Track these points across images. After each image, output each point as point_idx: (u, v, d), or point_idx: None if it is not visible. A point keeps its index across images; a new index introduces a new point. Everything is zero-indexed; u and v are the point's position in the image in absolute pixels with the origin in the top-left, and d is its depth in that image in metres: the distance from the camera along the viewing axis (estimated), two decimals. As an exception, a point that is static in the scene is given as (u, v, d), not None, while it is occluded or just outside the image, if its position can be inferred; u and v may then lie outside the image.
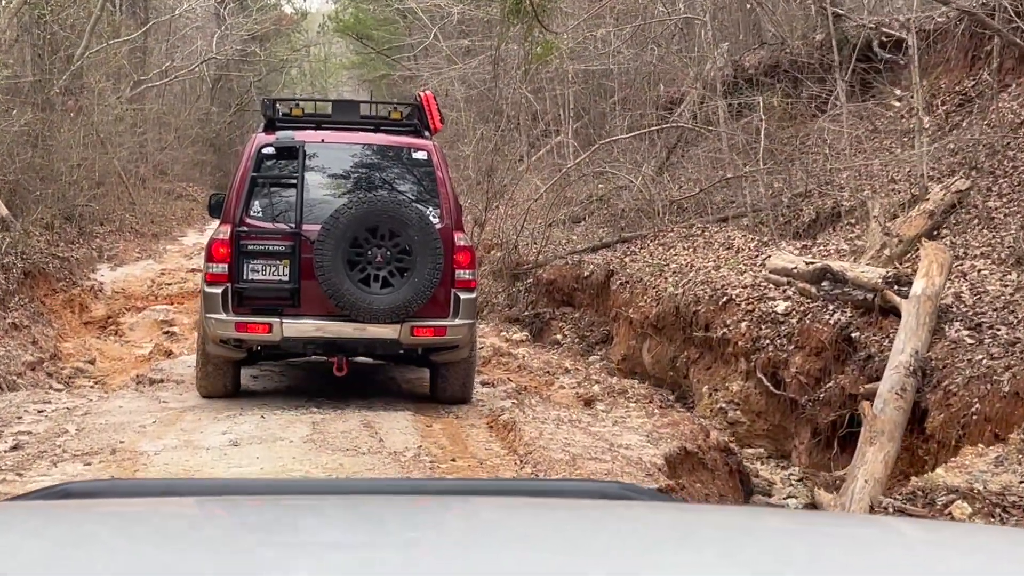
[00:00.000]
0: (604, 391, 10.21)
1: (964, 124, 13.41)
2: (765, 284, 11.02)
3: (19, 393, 10.21)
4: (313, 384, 10.72)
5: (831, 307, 9.76)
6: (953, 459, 6.92)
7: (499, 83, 18.39)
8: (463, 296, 9.10)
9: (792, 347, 9.90)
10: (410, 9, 28.67)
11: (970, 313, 8.66)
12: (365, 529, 1.79)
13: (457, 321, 9.05)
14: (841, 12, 14.99)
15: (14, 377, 11.66)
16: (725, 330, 10.77)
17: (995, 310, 8.64)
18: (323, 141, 9.46)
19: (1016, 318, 8.39)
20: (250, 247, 8.98)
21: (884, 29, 15.52)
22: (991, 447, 6.80)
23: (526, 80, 17.78)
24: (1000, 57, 13.80)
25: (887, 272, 9.27)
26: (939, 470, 6.46)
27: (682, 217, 15.89)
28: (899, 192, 12.62)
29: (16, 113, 20.34)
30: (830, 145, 15.05)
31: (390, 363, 11.14)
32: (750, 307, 10.64)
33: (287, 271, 8.95)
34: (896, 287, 9.02)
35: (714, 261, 12.74)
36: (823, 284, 10.00)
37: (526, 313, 15.92)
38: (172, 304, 17.38)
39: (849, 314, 9.53)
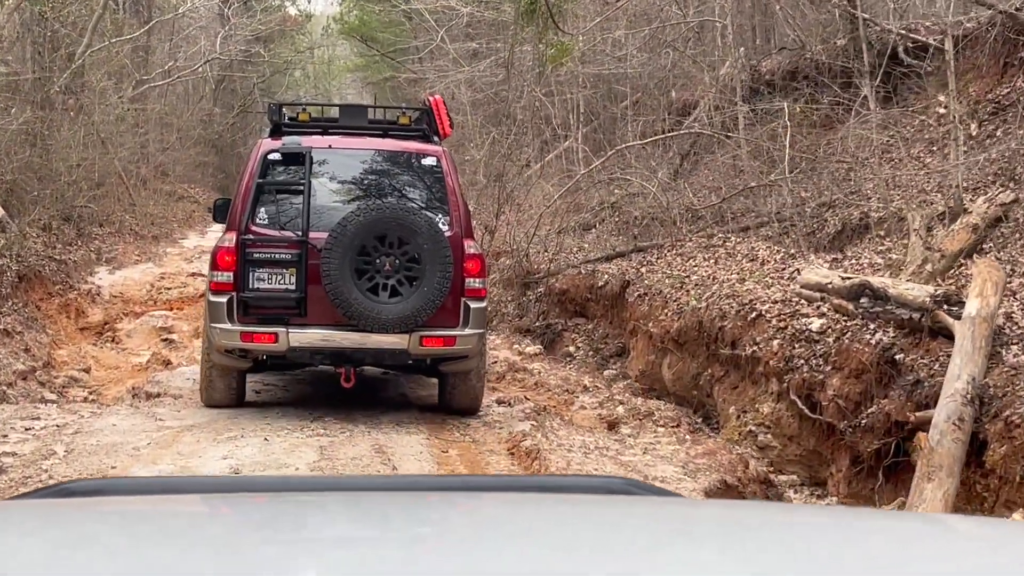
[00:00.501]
0: (629, 413, 9.53)
1: (999, 133, 12.72)
2: (797, 299, 10.32)
3: (7, 407, 9.51)
4: (319, 396, 10.07)
5: (871, 326, 9.07)
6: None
7: (512, 86, 17.65)
8: (473, 305, 8.88)
9: (829, 368, 9.20)
10: (416, 11, 27.99)
11: (1025, 335, 8.00)
12: (368, 526, 1.76)
13: (467, 331, 8.82)
14: (866, 16, 14.28)
15: (4, 387, 10.96)
16: (755, 348, 10.07)
17: (1051, 332, 7.97)
18: (330, 147, 9.21)
19: (1076, 342, 7.71)
20: (256, 255, 8.73)
21: (911, 35, 14.83)
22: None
23: (539, 83, 17.05)
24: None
25: (935, 290, 8.58)
26: (1016, 516, 5.76)
27: (698, 226, 15.20)
28: (931, 204, 11.94)
29: (15, 111, 19.70)
30: (854, 154, 14.35)
31: (398, 373, 10.74)
32: (782, 324, 9.94)
33: (294, 280, 8.70)
34: (946, 306, 8.33)
35: (738, 273, 12.05)
36: (861, 301, 9.31)
37: (537, 324, 15.22)
38: (171, 310, 16.67)
39: (892, 334, 8.83)
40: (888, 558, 1.58)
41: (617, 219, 17.35)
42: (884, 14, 15.91)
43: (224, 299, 8.65)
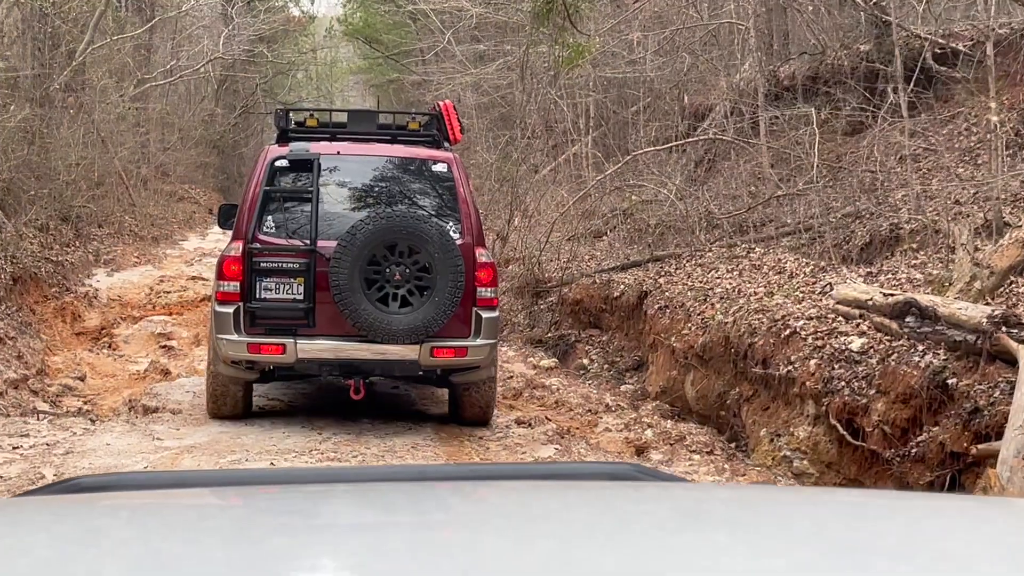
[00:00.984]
0: (659, 437, 8.84)
1: (1036, 143, 12.07)
2: (833, 316, 9.64)
3: (-5, 422, 8.83)
4: (327, 412, 9.41)
5: (920, 348, 8.38)
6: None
7: (525, 88, 16.95)
8: (485, 315, 8.66)
9: (873, 391, 8.51)
10: (422, 12, 27.30)
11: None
12: (377, 514, 1.75)
13: (479, 341, 8.61)
14: (893, 20, 13.61)
15: (-7, 398, 10.31)
16: (790, 368, 9.38)
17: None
18: (339, 153, 8.98)
19: None
20: (263, 264, 8.48)
21: (941, 40, 14.16)
22: None
23: (555, 86, 16.35)
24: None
25: (992, 311, 7.89)
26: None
27: (714, 235, 14.54)
28: (968, 216, 11.27)
29: (13, 108, 19.02)
30: (881, 163, 13.68)
31: (408, 385, 10.39)
32: (819, 342, 9.26)
33: (301, 290, 8.45)
34: (1005, 328, 7.65)
35: (764, 287, 11.37)
36: (907, 320, 8.64)
37: (549, 335, 14.53)
38: (171, 315, 15.96)
39: (943, 357, 8.14)
40: (898, 538, 1.57)
41: (629, 226, 16.69)
42: (910, 18, 15.24)
43: (231, 309, 8.37)
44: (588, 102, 19.64)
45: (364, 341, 8.38)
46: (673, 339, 11.51)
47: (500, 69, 22.80)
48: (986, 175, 11.49)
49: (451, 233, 8.59)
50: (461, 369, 8.77)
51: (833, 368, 8.97)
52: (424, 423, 9.20)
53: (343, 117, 9.88)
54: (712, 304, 11.40)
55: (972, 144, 13.27)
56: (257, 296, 8.44)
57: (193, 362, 12.49)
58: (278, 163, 8.81)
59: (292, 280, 8.47)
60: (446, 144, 9.47)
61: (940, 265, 10.59)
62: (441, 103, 10.00)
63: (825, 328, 9.49)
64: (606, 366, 13.28)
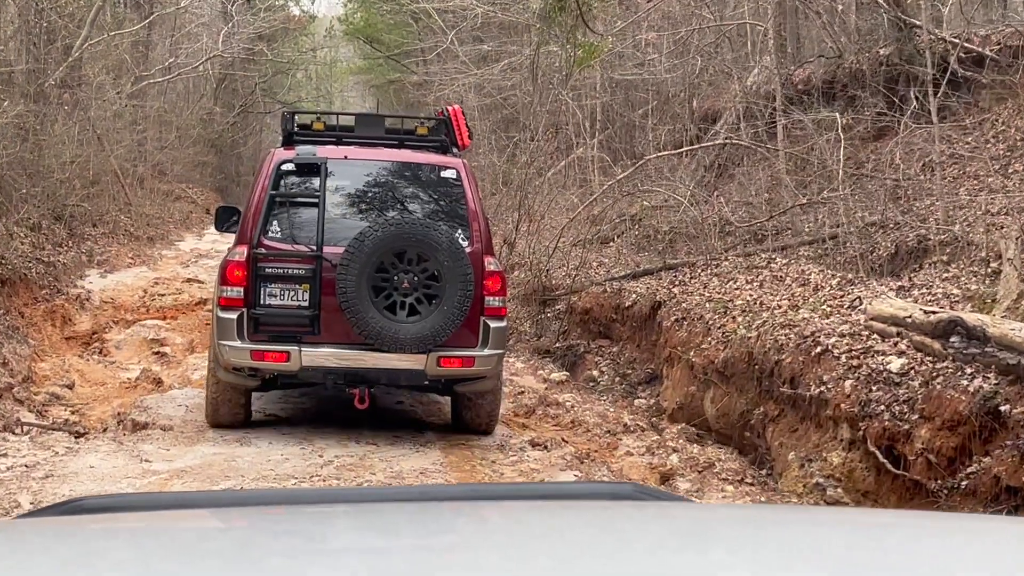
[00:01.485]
0: (685, 464, 8.15)
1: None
2: (867, 333, 8.96)
3: (-29, 439, 8.13)
4: (328, 430, 8.71)
5: (967, 370, 7.70)
6: None
7: (536, 89, 16.25)
8: (493, 324, 8.45)
9: (916, 417, 7.83)
10: (424, 11, 26.61)
11: None
12: (377, 536, 1.73)
13: (486, 351, 8.39)
14: (924, 25, 12.93)
15: (-25, 409, 9.62)
16: (822, 388, 8.70)
17: None
18: (346, 158, 8.74)
19: None
20: (268, 270, 8.27)
21: (967, 44, 13.49)
22: None
23: (566, 86, 15.65)
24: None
25: (1051, 333, 7.23)
26: None
27: (726, 242, 13.87)
28: (1002, 227, 10.60)
29: (7, 104, 18.31)
30: (903, 170, 12.99)
31: (412, 393, 10.11)
32: (853, 361, 8.58)
33: (307, 296, 8.24)
34: (1065, 353, 6.98)
35: (788, 299, 10.70)
36: (952, 340, 7.97)
37: (557, 345, 13.84)
38: (165, 319, 15.25)
39: (994, 381, 7.47)
40: (900, 556, 1.55)
41: (638, 232, 16.02)
42: (933, 21, 14.57)
43: (234, 315, 8.13)
44: (594, 104, 18.95)
45: (370, 350, 8.15)
46: (692, 353, 10.84)
47: (504, 70, 22.12)
48: (1021, 184, 10.83)
49: (460, 241, 8.37)
50: (467, 379, 8.53)
51: (871, 390, 8.29)
52: (431, 445, 8.52)
53: (350, 121, 9.57)
54: (733, 317, 10.72)
55: (1001, 152, 12.60)
56: (261, 302, 8.21)
57: (187, 371, 11.79)
58: (284, 167, 8.55)
59: (297, 286, 8.24)
60: (454, 149, 9.19)
61: (976, 279, 9.93)
62: (450, 108, 9.73)
63: (860, 346, 8.81)
64: (617, 379, 12.60)
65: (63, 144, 20.67)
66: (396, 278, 8.16)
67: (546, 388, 11.25)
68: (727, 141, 14.40)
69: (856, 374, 8.51)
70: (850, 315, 9.75)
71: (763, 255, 12.42)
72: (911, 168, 13.11)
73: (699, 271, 12.99)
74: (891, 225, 12.12)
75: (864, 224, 12.24)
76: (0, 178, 17.41)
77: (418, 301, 8.18)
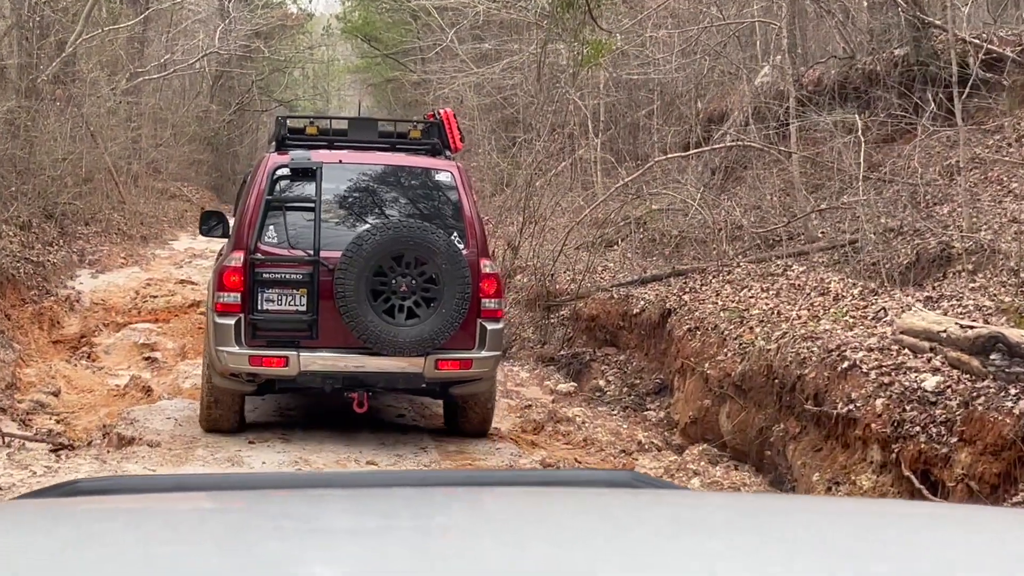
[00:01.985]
0: (708, 488, 7.56)
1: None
2: (897, 348, 8.37)
3: (-56, 456, 7.52)
4: (322, 446, 8.12)
5: (1011, 391, 7.12)
6: None
7: (542, 87, 15.63)
8: (490, 327, 8.46)
9: (955, 440, 7.24)
10: (424, 9, 25.98)
11: None
12: (374, 520, 1.70)
13: (483, 353, 8.40)
14: (950, 29, 12.34)
15: (-47, 419, 9.04)
16: (850, 406, 8.11)
17: None
18: (341, 162, 8.69)
19: None
20: (265, 275, 8.20)
21: (988, 45, 12.92)
22: None
23: (574, 84, 15.03)
24: None
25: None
26: None
27: (735, 247, 13.28)
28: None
29: (-2, 100, 17.78)
30: (922, 174, 12.42)
31: (409, 398, 10.09)
32: (884, 378, 7.99)
33: (304, 301, 8.18)
34: (1122, 375, 6.40)
35: (808, 309, 10.12)
36: (992, 358, 7.40)
37: (562, 352, 13.24)
38: (156, 322, 14.64)
39: (1041, 403, 6.88)
40: (899, 546, 1.54)
41: (643, 236, 15.43)
42: (953, 22, 14.00)
43: (232, 321, 8.08)
44: (598, 104, 18.34)
45: (368, 353, 8.13)
46: (707, 365, 10.24)
47: (505, 69, 21.52)
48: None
49: (457, 244, 8.39)
50: (463, 381, 8.54)
51: (904, 409, 7.69)
52: (435, 466, 7.92)
53: (342, 124, 9.54)
54: (750, 328, 10.13)
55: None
56: (259, 307, 8.14)
57: (177, 379, 11.19)
58: (280, 172, 8.48)
59: (295, 291, 8.19)
60: (447, 152, 9.17)
61: (1007, 290, 9.37)
62: (442, 111, 9.66)
63: (890, 362, 8.22)
64: (625, 389, 12.00)
65: (55, 141, 20.07)
66: (394, 281, 8.12)
67: (553, 401, 10.67)
68: (740, 143, 13.78)
69: (888, 392, 7.92)
70: (876, 327, 9.17)
71: (779, 261, 11.83)
72: (930, 172, 12.55)
73: (710, 277, 12.41)
74: (910, 231, 11.56)
75: (883, 230, 11.67)
76: (-11, 175, 16.82)
77: (416, 304, 8.16)
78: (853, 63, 15.32)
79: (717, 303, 11.30)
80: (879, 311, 9.51)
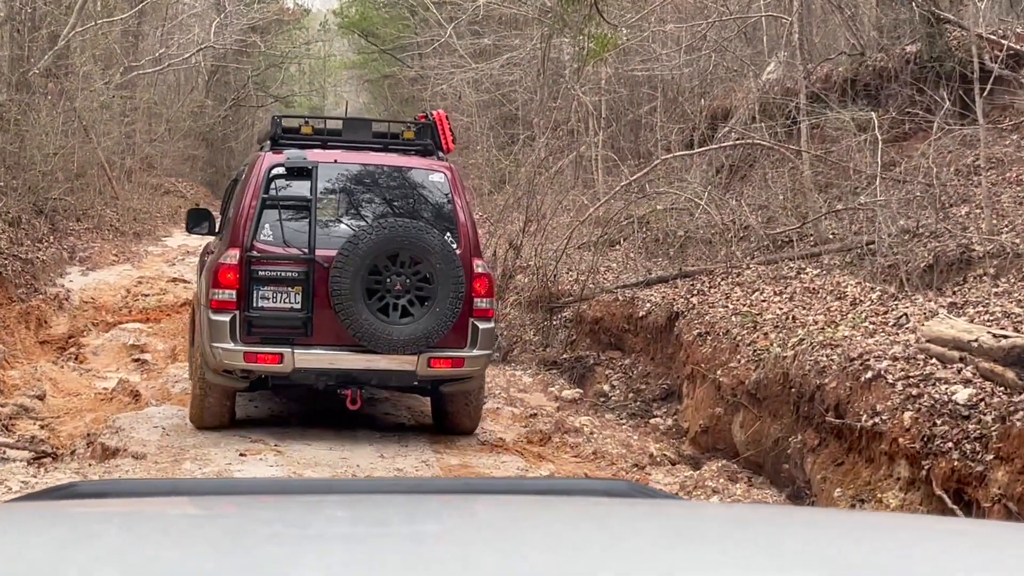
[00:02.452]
0: (729, 508, 7.06)
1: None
2: (923, 357, 7.87)
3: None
4: (316, 457, 7.62)
5: (1052, 406, 6.62)
6: None
7: (546, 82, 15.10)
8: (481, 326, 8.51)
9: (991, 457, 6.74)
10: (422, 3, 25.44)
11: None
12: (369, 527, 1.69)
13: (475, 352, 8.46)
14: (972, 29, 11.83)
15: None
16: (876, 419, 7.61)
17: None
18: (336, 161, 8.72)
19: None
20: (260, 273, 8.23)
21: (1005, 41, 12.43)
22: None
23: (579, 80, 14.50)
24: None
25: None
26: None
27: (740, 247, 12.78)
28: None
29: (-12, 92, 17.26)
30: (937, 174, 11.92)
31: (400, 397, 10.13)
32: (912, 390, 7.49)
33: (299, 298, 8.22)
34: None
35: (825, 315, 9.63)
36: (1029, 370, 6.89)
37: (565, 356, 12.74)
38: (147, 322, 14.11)
39: (1085, 420, 6.39)
40: (893, 558, 1.52)
41: (646, 235, 14.92)
42: (966, 18, 13.49)
43: (227, 318, 8.11)
44: (599, 101, 17.82)
45: (361, 351, 8.17)
46: (719, 372, 9.74)
47: (505, 65, 20.99)
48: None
49: (451, 243, 8.45)
50: (455, 379, 8.60)
51: (934, 424, 7.19)
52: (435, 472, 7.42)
53: (337, 125, 9.58)
54: (765, 333, 9.63)
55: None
56: (254, 305, 8.17)
57: (167, 383, 10.68)
58: (275, 171, 8.49)
59: (290, 289, 8.22)
60: (439, 153, 9.22)
61: (1030, 295, 8.89)
62: (434, 112, 9.69)
63: (917, 372, 7.72)
64: (630, 394, 11.51)
65: (47, 135, 19.52)
66: (389, 280, 8.18)
67: (559, 408, 10.16)
68: (750, 141, 13.27)
69: (916, 404, 7.41)
70: (898, 334, 8.67)
71: (791, 264, 11.34)
72: (944, 172, 12.06)
73: (718, 279, 11.91)
74: (926, 233, 11.07)
75: (898, 232, 11.18)
76: (-23, 170, 16.29)
77: (411, 303, 8.22)
78: (863, 59, 14.84)
79: (727, 307, 10.81)
80: (900, 317, 9.02)
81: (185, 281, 16.33)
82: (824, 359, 8.60)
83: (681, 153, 14.18)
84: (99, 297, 15.49)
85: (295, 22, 38.25)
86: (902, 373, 7.81)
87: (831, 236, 12.32)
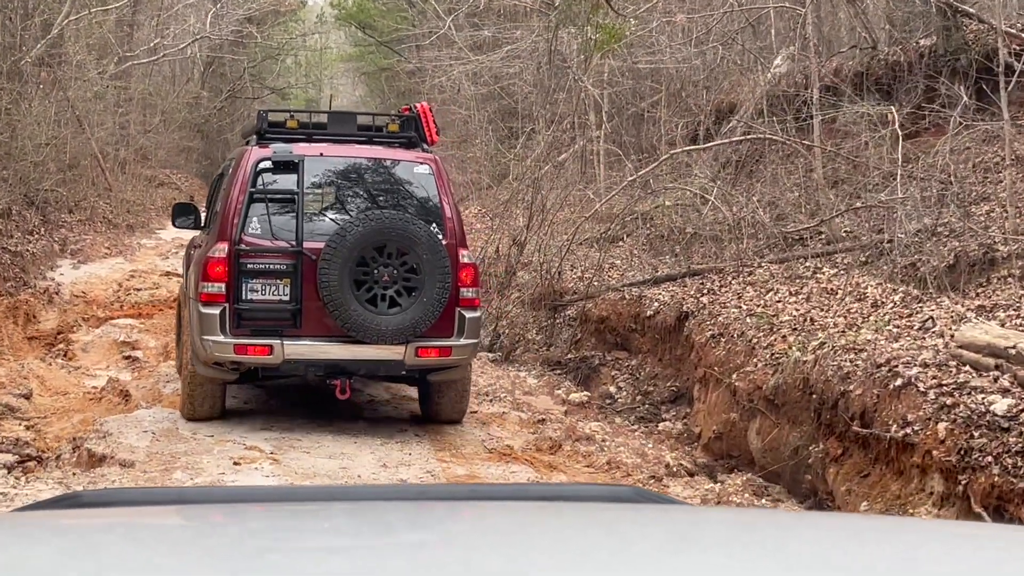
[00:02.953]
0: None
1: None
2: (956, 364, 7.40)
3: None
4: (319, 468, 7.13)
5: (1101, 419, 6.17)
6: None
7: (554, 74, 14.59)
8: (468, 315, 8.59)
9: (1034, 473, 6.27)
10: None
11: None
12: (372, 534, 1.66)
13: (462, 341, 8.54)
14: (971, 12, 11.37)
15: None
16: (907, 429, 7.13)
17: None
18: (321, 155, 8.76)
19: None
20: (249, 266, 8.26)
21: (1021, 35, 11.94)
22: None
23: (586, 72, 13.99)
24: None
25: None
26: None
27: (748, 245, 12.29)
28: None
29: (-22, 82, 16.72)
30: (954, 171, 11.44)
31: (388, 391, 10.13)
32: (946, 399, 7.02)
33: (288, 290, 8.27)
34: None
35: (845, 317, 9.16)
36: (1073, 380, 6.42)
37: (569, 356, 12.25)
38: (139, 317, 13.60)
39: None
40: (896, 562, 1.52)
41: (650, 232, 14.44)
42: (983, 11, 13.00)
43: (216, 311, 8.15)
44: (602, 94, 17.32)
45: (350, 342, 8.24)
46: (734, 376, 9.26)
47: (505, 58, 20.46)
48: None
49: (437, 234, 8.50)
50: (442, 368, 8.68)
51: (972, 436, 6.72)
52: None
53: (322, 118, 9.48)
54: (783, 336, 9.16)
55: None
56: (244, 297, 8.20)
57: (158, 383, 10.17)
58: (262, 164, 8.52)
59: (278, 281, 8.26)
60: (424, 145, 9.24)
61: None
62: (418, 104, 9.73)
63: (950, 380, 7.24)
64: (638, 396, 11.03)
65: (39, 125, 18.95)
66: (376, 271, 8.23)
67: (567, 412, 9.68)
68: (762, 135, 12.77)
69: (951, 415, 6.94)
70: (924, 339, 8.20)
71: (806, 263, 10.86)
72: (962, 169, 11.59)
73: (729, 278, 11.44)
74: (946, 232, 10.60)
75: (917, 231, 10.71)
76: (-34, 160, 15.74)
77: (398, 293, 8.27)
78: (875, 53, 14.36)
79: (740, 307, 10.34)
80: (926, 320, 8.55)
81: (179, 275, 15.79)
82: (848, 364, 8.12)
83: (689, 148, 13.68)
84: (90, 291, 14.98)
85: (291, 13, 37.63)
86: (934, 381, 7.34)
87: (844, 234, 11.86)
